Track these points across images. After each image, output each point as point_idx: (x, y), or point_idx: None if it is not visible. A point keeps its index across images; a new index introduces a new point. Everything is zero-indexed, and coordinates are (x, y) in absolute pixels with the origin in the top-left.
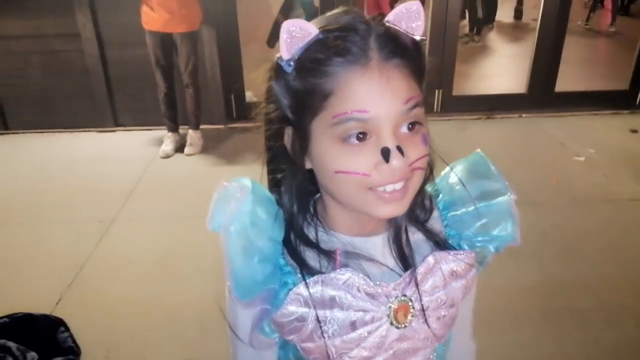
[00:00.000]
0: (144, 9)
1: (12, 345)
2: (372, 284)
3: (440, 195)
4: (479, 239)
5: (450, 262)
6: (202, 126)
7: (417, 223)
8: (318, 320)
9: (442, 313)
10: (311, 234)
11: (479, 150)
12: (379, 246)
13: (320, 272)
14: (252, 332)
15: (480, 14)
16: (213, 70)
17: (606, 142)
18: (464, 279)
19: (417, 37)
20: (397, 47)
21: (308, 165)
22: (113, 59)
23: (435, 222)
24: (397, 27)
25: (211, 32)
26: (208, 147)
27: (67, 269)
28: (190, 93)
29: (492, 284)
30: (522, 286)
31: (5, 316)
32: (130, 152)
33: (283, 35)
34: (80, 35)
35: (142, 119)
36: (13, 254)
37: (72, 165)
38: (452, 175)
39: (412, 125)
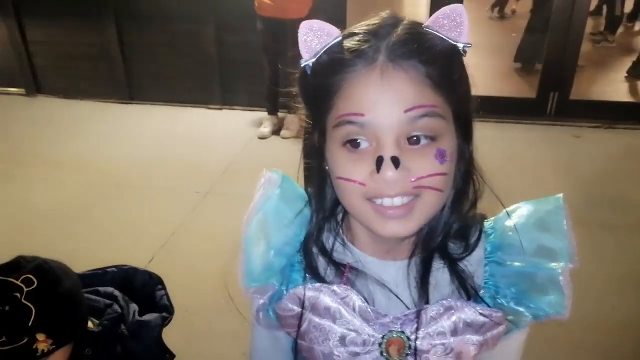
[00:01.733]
0: None
1: (118, 294)
2: (369, 309)
3: (492, 236)
4: (516, 302)
5: (468, 314)
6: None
7: (447, 259)
8: (300, 321)
9: None
10: (328, 243)
11: (560, 195)
12: (392, 272)
13: (324, 281)
14: (258, 312)
15: (618, 11)
16: None
17: None
18: (481, 335)
19: (459, 44)
20: (415, 49)
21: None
22: (228, 42)
23: (476, 265)
24: (434, 32)
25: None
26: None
27: (162, 232)
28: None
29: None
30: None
31: (114, 266)
32: (232, 130)
33: (302, 36)
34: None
35: (248, 100)
36: (117, 214)
37: (181, 138)
38: (515, 215)
39: (416, 139)
